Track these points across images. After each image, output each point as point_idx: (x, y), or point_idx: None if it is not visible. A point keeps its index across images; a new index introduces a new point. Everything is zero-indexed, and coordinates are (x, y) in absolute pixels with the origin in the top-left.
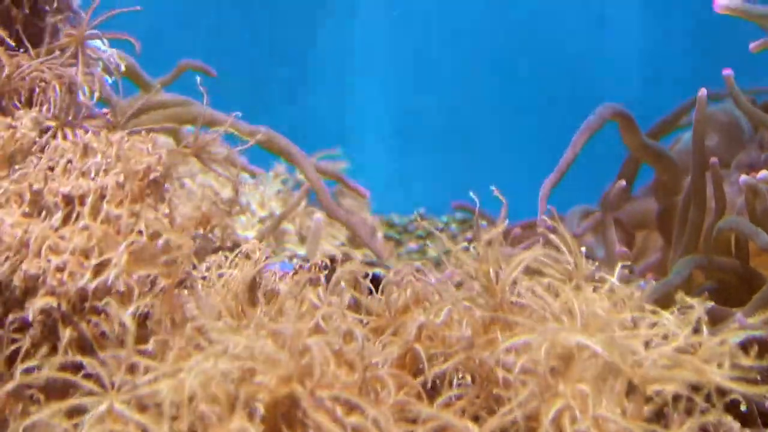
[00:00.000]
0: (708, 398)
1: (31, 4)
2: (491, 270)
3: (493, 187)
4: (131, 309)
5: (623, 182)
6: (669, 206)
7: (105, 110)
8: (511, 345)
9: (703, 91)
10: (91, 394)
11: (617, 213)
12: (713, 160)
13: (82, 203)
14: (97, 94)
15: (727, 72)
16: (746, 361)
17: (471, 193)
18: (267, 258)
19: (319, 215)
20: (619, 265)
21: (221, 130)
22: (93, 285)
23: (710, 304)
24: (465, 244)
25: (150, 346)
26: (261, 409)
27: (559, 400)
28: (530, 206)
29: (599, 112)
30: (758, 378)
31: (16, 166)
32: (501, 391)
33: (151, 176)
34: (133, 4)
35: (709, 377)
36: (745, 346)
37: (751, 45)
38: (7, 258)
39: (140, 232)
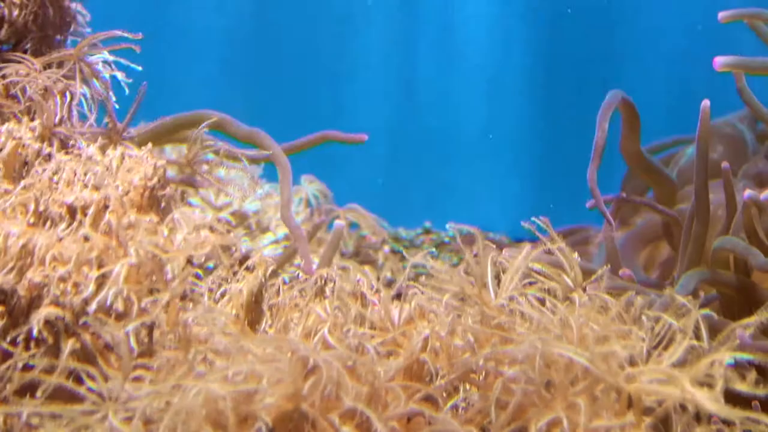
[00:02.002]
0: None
1: (35, 14)
2: (489, 283)
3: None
4: (132, 325)
5: (623, 194)
6: (671, 222)
7: (105, 120)
8: (498, 353)
9: (706, 103)
10: (93, 405)
11: (628, 227)
12: (725, 164)
13: (84, 214)
14: (94, 114)
15: (738, 72)
16: (741, 387)
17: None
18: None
19: (340, 221)
20: (600, 273)
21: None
22: (95, 300)
23: (709, 313)
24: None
25: (154, 359)
26: (269, 422)
27: (549, 412)
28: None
29: (612, 93)
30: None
31: (22, 182)
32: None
33: (151, 187)
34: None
35: (696, 400)
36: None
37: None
38: (12, 267)
39: (141, 243)
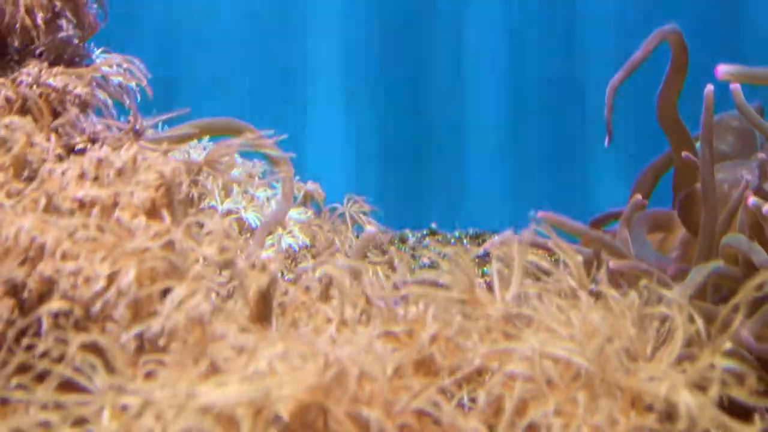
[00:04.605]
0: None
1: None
2: (495, 283)
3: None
4: (143, 323)
5: (639, 197)
6: (688, 195)
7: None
8: (500, 352)
9: (709, 88)
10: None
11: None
12: (762, 156)
13: (95, 210)
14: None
15: (735, 86)
16: (737, 393)
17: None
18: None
19: (372, 227)
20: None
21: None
22: (106, 295)
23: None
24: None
25: (167, 355)
26: (284, 416)
27: (547, 405)
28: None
29: (671, 26)
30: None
31: (34, 184)
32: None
33: (166, 187)
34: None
35: (687, 407)
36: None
37: None
38: (23, 261)
39: (154, 238)
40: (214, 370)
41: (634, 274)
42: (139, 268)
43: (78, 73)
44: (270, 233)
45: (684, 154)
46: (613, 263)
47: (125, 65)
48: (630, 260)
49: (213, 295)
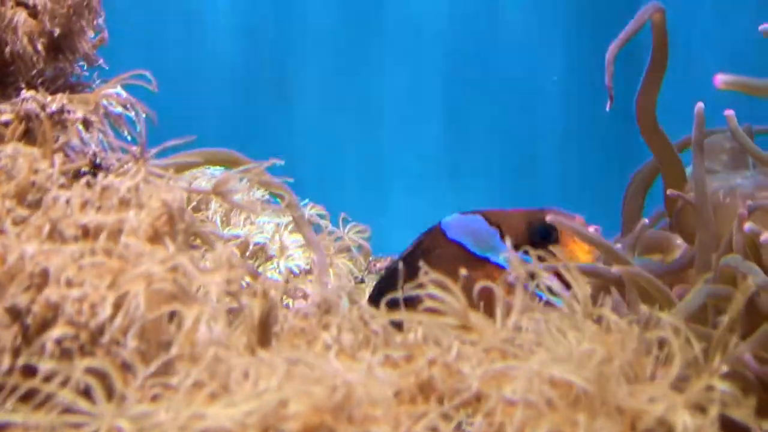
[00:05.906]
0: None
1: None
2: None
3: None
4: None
5: (646, 221)
6: (683, 209)
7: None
8: (498, 373)
9: (700, 105)
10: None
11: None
12: None
13: (99, 236)
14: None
15: (729, 112)
16: (737, 414)
17: None
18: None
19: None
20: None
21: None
22: (113, 321)
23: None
24: None
25: (172, 378)
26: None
27: (546, 425)
28: None
29: (653, 3)
30: None
31: (39, 212)
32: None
33: (169, 215)
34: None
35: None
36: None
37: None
38: (28, 287)
39: (159, 263)
40: (221, 392)
41: (639, 285)
42: (146, 291)
43: (81, 99)
44: (270, 259)
45: (669, 191)
46: (616, 268)
47: (125, 94)
48: (635, 268)
49: (216, 321)
